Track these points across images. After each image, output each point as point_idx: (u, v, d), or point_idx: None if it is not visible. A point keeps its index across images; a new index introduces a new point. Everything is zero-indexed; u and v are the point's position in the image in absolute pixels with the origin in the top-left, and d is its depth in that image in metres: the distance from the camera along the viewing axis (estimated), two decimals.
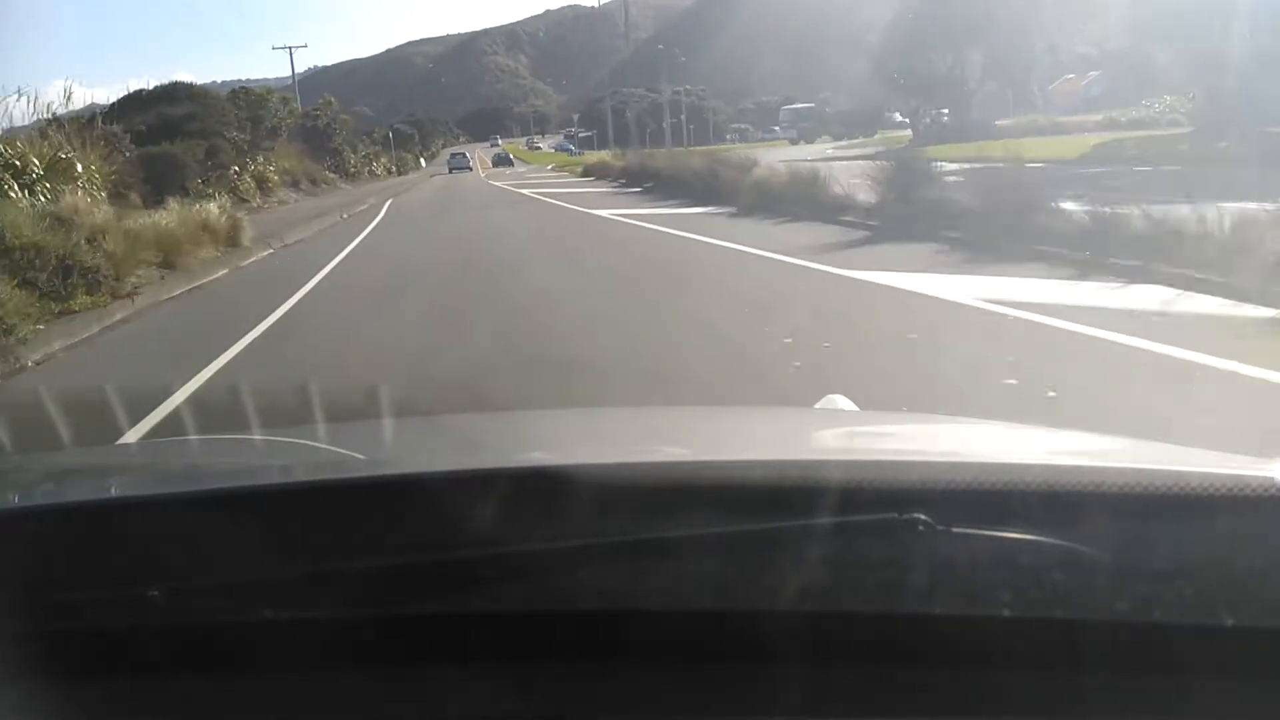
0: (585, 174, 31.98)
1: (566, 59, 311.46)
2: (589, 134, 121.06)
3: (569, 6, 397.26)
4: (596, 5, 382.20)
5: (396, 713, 0.89)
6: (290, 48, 43.81)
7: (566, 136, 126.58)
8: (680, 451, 1.37)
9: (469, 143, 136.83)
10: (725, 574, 0.88)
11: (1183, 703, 0.83)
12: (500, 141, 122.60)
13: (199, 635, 0.91)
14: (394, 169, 59.32)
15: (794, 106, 56.36)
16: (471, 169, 58.69)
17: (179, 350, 6.94)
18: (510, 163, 68.60)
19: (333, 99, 40.29)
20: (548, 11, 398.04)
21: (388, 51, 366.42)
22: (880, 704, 0.85)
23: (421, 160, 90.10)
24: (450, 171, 56.66)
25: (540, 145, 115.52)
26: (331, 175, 35.91)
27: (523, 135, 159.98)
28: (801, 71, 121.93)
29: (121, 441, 3.62)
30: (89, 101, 23.51)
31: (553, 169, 46.99)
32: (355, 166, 42.77)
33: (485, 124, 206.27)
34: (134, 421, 4.27)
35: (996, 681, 0.84)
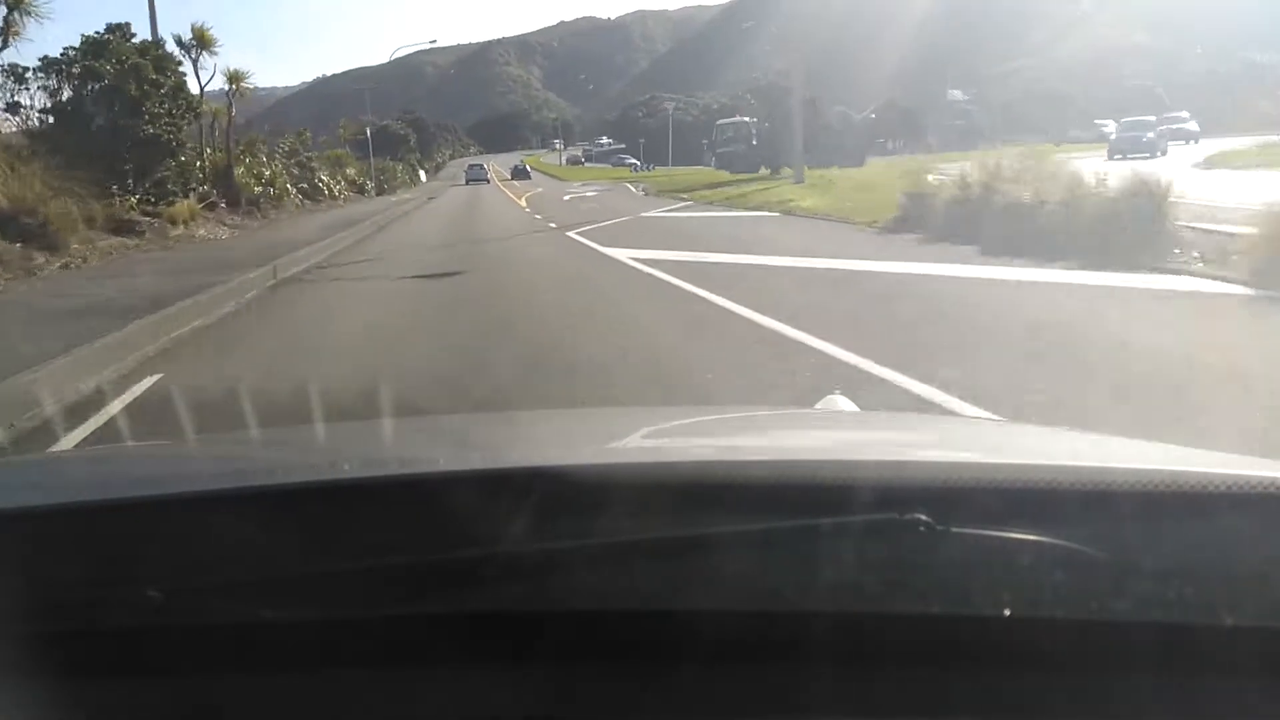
0: (915, 230, 12.23)
1: (580, 71, 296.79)
2: (619, 146, 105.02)
3: (583, 18, 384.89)
4: (611, 18, 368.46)
5: (397, 713, 0.88)
6: None
7: (586, 151, 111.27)
8: (680, 452, 1.34)
9: (480, 153, 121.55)
10: (725, 575, 0.87)
11: (1183, 703, 0.82)
12: (560, 145, 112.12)
13: (197, 635, 0.91)
14: (369, 186, 38.03)
15: (731, 120, 40.95)
16: (489, 181, 56.54)
17: None
18: (528, 174, 65.18)
19: (197, 36, 18.10)
20: (561, 23, 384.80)
21: (396, 60, 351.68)
22: (879, 704, 0.84)
23: (421, 173, 70.15)
24: (467, 183, 55.49)
25: (587, 160, 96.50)
26: (181, 209, 15.31)
27: (542, 147, 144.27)
28: (831, 77, 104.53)
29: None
30: None
31: (642, 189, 28.22)
32: (276, 186, 22.81)
33: (497, 133, 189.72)
34: None
35: (996, 682, 0.84)
